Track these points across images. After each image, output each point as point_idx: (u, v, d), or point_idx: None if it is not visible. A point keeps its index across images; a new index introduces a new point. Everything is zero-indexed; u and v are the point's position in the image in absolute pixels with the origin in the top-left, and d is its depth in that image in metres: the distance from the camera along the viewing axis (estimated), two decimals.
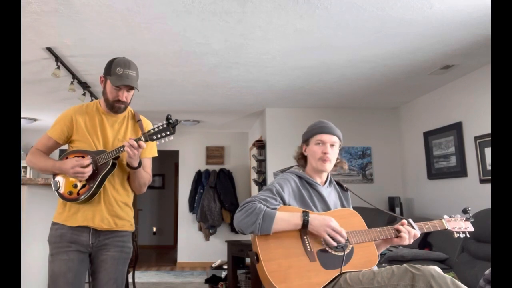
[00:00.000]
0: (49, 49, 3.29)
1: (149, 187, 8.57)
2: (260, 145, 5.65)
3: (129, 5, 2.60)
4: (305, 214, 1.76)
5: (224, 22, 2.85)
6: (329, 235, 1.74)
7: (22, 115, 5.60)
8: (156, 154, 2.14)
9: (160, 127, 1.89)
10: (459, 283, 1.54)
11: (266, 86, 4.44)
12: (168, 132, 1.88)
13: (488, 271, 2.41)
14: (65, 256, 1.87)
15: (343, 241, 1.75)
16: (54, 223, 1.97)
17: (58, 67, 3.49)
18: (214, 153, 7.31)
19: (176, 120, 1.89)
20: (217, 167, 7.20)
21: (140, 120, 2.08)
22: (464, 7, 2.66)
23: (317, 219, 1.76)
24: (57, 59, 3.46)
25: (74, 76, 3.91)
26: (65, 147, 2.08)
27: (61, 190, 1.94)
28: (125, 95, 1.95)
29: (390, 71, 3.97)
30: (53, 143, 2.01)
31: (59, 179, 1.96)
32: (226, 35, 3.07)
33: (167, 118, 1.87)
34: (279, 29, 2.97)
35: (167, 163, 9.65)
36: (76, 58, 3.53)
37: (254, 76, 4.09)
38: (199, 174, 7.18)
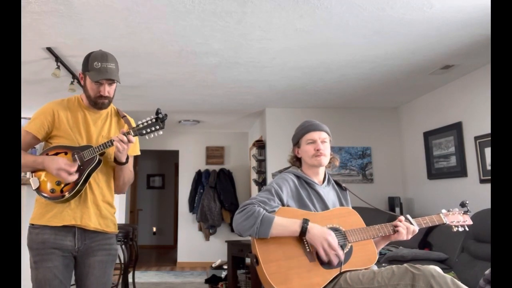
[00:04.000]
0: (49, 49, 3.29)
1: (149, 187, 8.51)
2: (260, 145, 5.65)
3: (129, 5, 2.60)
4: (305, 222, 1.75)
5: (224, 22, 2.85)
6: (324, 249, 1.71)
7: (22, 115, 5.60)
8: (139, 153, 2.09)
9: (149, 122, 1.84)
10: (459, 283, 1.54)
11: (266, 86, 4.44)
12: (157, 127, 1.83)
13: (488, 271, 2.41)
14: (49, 264, 1.78)
15: (335, 261, 1.72)
16: (33, 226, 1.84)
17: (58, 67, 3.49)
18: (214, 153, 7.31)
19: (166, 115, 1.85)
20: (217, 167, 7.19)
21: (125, 116, 2.02)
22: (464, 7, 2.66)
23: (316, 228, 1.74)
24: (57, 59, 3.46)
25: (74, 76, 3.91)
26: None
27: (42, 188, 1.83)
28: (107, 90, 1.86)
29: (390, 71, 3.97)
30: (31, 138, 1.87)
31: (39, 176, 1.84)
32: (226, 35, 3.07)
33: (157, 113, 1.83)
34: (279, 29, 2.97)
35: (167, 163, 9.65)
36: (76, 58, 3.52)
37: (254, 76, 4.09)
38: (199, 174, 7.18)
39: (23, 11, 2.64)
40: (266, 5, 2.61)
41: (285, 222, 1.75)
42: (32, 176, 1.86)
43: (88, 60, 1.86)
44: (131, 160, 2.00)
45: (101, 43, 3.17)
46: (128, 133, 1.83)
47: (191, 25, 2.90)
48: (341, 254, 1.73)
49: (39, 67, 3.71)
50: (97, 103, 1.89)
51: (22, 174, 2.43)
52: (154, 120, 1.83)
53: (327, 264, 1.74)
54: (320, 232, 1.73)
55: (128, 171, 1.99)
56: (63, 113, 1.90)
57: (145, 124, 1.84)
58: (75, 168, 1.79)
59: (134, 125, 1.99)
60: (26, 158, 1.83)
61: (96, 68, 1.82)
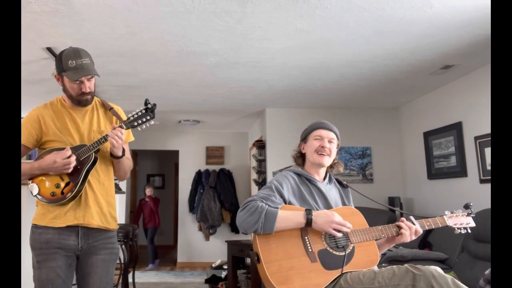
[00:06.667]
0: (49, 49, 3.29)
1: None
2: (260, 145, 5.65)
3: (129, 5, 2.60)
4: (308, 213, 1.76)
5: (224, 22, 2.85)
6: (334, 229, 1.74)
7: (22, 115, 5.60)
8: (133, 139, 2.09)
9: (139, 113, 1.86)
10: (459, 283, 1.54)
11: (266, 86, 4.44)
12: (148, 117, 1.85)
13: (488, 271, 2.41)
14: (52, 263, 1.79)
15: (348, 230, 1.77)
16: (36, 226, 1.85)
17: None
18: (214, 153, 7.31)
19: (154, 104, 1.87)
20: (217, 167, 7.19)
21: (112, 108, 2.01)
22: (464, 7, 2.66)
23: (320, 216, 1.76)
24: None
25: None
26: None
27: (42, 193, 1.83)
28: (87, 86, 1.85)
29: (390, 71, 3.97)
30: (22, 148, 1.86)
31: (38, 181, 1.85)
32: (226, 35, 3.07)
33: (146, 103, 1.86)
34: (279, 29, 2.97)
35: (167, 163, 9.65)
36: None
37: (254, 76, 4.09)
38: (199, 174, 7.18)
39: (23, 11, 2.64)
40: (266, 5, 2.61)
41: (289, 215, 1.76)
42: (30, 183, 1.86)
43: (61, 60, 1.83)
44: (127, 150, 2.01)
45: (101, 43, 3.17)
46: (121, 126, 1.84)
47: (191, 25, 2.90)
48: (350, 225, 1.77)
49: (39, 67, 3.71)
50: (81, 100, 1.89)
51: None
52: (144, 111, 1.86)
53: (329, 265, 1.74)
54: (325, 218, 1.75)
55: (126, 160, 1.99)
56: (48, 118, 1.90)
57: (136, 116, 1.86)
58: (68, 152, 1.79)
59: (123, 114, 2.02)
60: (22, 166, 1.82)
61: (71, 67, 1.81)
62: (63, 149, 1.84)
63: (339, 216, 1.77)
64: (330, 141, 1.98)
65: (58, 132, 1.88)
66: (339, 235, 1.76)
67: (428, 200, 4.81)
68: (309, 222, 1.74)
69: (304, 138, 2.06)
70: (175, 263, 7.17)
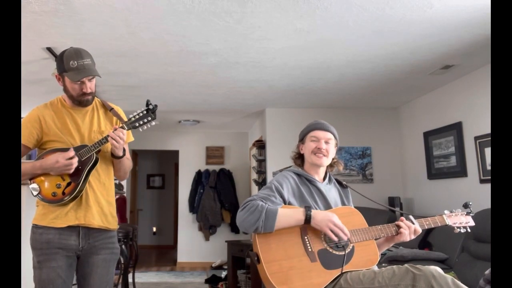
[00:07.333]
0: (49, 49, 3.29)
1: (149, 187, 8.47)
2: (260, 145, 5.65)
3: (129, 5, 2.60)
4: (308, 209, 1.77)
5: (224, 22, 2.85)
6: (331, 230, 1.74)
7: (22, 115, 5.59)
8: (132, 139, 2.10)
9: (141, 114, 1.87)
10: (459, 283, 1.54)
11: (266, 86, 4.44)
12: (149, 118, 1.87)
13: (488, 271, 2.41)
14: (53, 263, 1.79)
15: (345, 238, 1.75)
16: (36, 226, 1.84)
17: None
18: (214, 153, 7.31)
19: (156, 105, 1.88)
20: (217, 167, 7.19)
21: (113, 108, 2.02)
22: (464, 7, 2.66)
23: (319, 214, 1.77)
24: None
25: None
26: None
27: (43, 193, 1.83)
28: (88, 86, 1.85)
29: (390, 71, 3.97)
30: (22, 147, 1.85)
31: (38, 182, 1.84)
32: (226, 35, 3.07)
33: (147, 104, 1.87)
34: (279, 29, 2.97)
35: (167, 163, 9.65)
36: None
37: (254, 76, 4.09)
38: (199, 174, 7.18)
39: (23, 11, 2.63)
40: (266, 5, 2.61)
41: (289, 212, 1.77)
42: (31, 183, 1.86)
43: (62, 61, 1.83)
44: (127, 150, 2.01)
45: (101, 43, 3.17)
46: (122, 127, 1.85)
47: (191, 25, 2.90)
48: (347, 232, 1.76)
49: (39, 67, 3.71)
50: (82, 101, 1.89)
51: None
52: (145, 112, 1.87)
53: (329, 264, 1.74)
54: (324, 216, 1.76)
55: (126, 160, 2.00)
56: (49, 118, 1.90)
57: (137, 116, 1.88)
58: (72, 153, 1.79)
59: (123, 115, 2.03)
60: (23, 166, 1.82)
61: (73, 68, 1.81)
62: (66, 149, 1.84)
63: (339, 219, 1.77)
64: (326, 142, 1.98)
65: (58, 132, 1.88)
66: (335, 238, 1.74)
67: (428, 200, 4.81)
68: (308, 219, 1.75)
69: (301, 139, 2.07)
70: (175, 263, 7.17)
